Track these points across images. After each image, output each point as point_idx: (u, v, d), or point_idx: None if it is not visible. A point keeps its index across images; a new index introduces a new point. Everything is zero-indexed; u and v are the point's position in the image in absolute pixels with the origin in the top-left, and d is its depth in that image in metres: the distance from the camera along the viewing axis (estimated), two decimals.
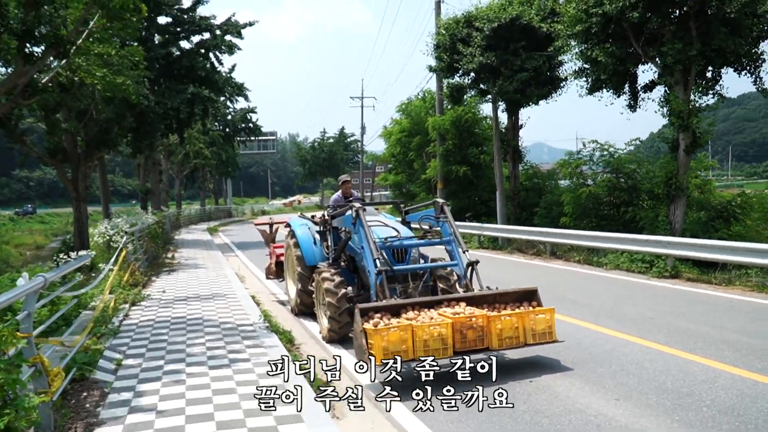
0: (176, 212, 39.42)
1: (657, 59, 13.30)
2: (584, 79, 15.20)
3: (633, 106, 15.08)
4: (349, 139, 79.63)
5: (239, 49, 25.57)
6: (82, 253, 11.08)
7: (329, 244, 8.55)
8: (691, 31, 12.62)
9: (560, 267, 14.27)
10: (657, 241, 12.18)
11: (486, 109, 26.40)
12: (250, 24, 26.85)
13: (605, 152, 16.43)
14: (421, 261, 7.92)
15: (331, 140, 78.80)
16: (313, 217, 10.34)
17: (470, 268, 6.98)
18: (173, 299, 10.79)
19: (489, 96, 20.89)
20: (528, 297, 6.62)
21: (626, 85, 14.97)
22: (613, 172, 16.16)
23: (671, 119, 12.97)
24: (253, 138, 53.35)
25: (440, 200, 7.65)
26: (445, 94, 23.13)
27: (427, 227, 7.85)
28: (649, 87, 14.89)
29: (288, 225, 10.07)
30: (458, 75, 20.37)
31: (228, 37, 25.63)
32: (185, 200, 79.60)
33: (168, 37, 25.61)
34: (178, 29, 25.69)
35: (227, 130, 50.18)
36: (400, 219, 8.82)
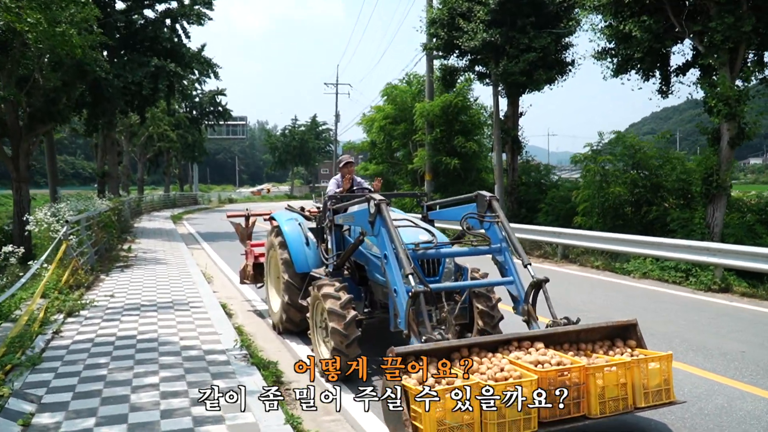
0: (137, 198, 36.70)
1: (700, 37, 11.55)
2: (608, 59, 13.38)
3: (665, 92, 13.34)
4: (321, 128, 77.23)
5: (210, 18, 23.15)
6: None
7: (329, 246, 6.52)
8: (742, 5, 10.89)
9: (577, 273, 12.49)
10: (704, 248, 10.45)
11: (479, 94, 24.54)
12: None
13: (626, 145, 14.63)
14: (455, 273, 5.96)
15: (303, 128, 76.30)
16: (302, 209, 8.31)
17: (536, 288, 5.04)
18: (123, 307, 8.62)
19: (487, 80, 19.06)
20: (622, 333, 4.72)
21: (656, 68, 13.19)
22: (635, 167, 14.39)
23: (717, 106, 11.21)
24: (222, 122, 50.72)
25: (486, 193, 5.68)
26: (435, 77, 21.22)
27: (466, 228, 5.88)
28: (682, 69, 13.16)
29: (272, 219, 8.00)
30: (455, 55, 18.46)
31: (197, 7, 23.18)
32: (149, 185, 76.17)
33: (131, 3, 23.04)
34: None
35: (194, 112, 47.50)
36: (420, 216, 6.85)
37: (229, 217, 9.98)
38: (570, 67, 17.68)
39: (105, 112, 21.70)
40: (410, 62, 69.17)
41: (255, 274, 9.00)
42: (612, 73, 13.38)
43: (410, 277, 4.72)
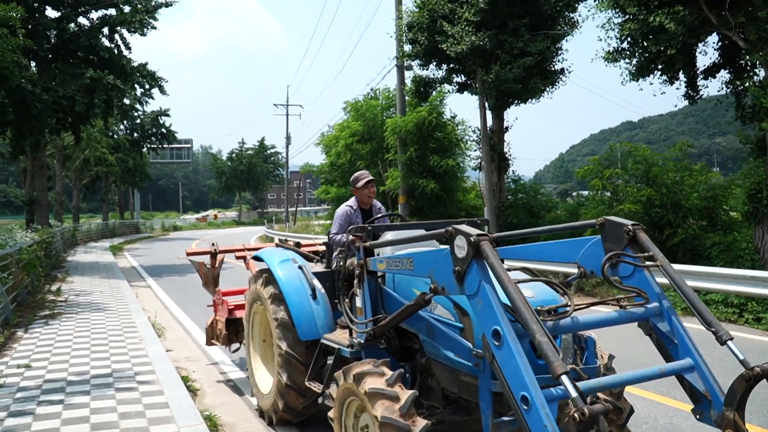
0: (72, 227, 33.24)
1: (739, 30, 10.00)
2: (625, 60, 11.72)
3: (692, 96, 11.78)
4: (270, 151, 74.51)
5: (153, 28, 20.63)
6: None
7: (360, 303, 4.31)
8: None
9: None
10: (760, 278, 8.62)
11: (454, 108, 22.75)
12: (166, 4, 21.93)
13: (638, 158, 12.94)
14: (573, 349, 3.84)
15: (251, 152, 73.41)
16: (299, 245, 6.10)
17: (748, 384, 2.97)
18: (41, 387, 6.12)
19: (468, 90, 17.31)
20: None
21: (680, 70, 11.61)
22: (649, 183, 12.69)
23: (761, 111, 9.62)
24: (165, 145, 47.58)
25: (626, 222, 3.62)
26: (408, 90, 19.32)
27: (581, 273, 3.81)
28: (711, 71, 11.62)
29: (257, 259, 5.73)
30: (433, 64, 16.62)
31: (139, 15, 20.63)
32: (86, 213, 71.63)
33: (65, 11, 20.31)
34: (76, 2, 20.42)
35: (135, 134, 44.30)
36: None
37: (189, 254, 7.59)
38: (561, 75, 16.08)
39: (32, 131, 18.80)
40: (377, 75, 67.11)
41: (228, 334, 6.65)
42: (631, 76, 11.73)
43: (565, 378, 2.61)
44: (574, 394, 2.58)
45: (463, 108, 54.63)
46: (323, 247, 7.09)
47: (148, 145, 45.90)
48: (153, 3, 20.72)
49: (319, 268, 5.55)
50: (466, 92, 17.51)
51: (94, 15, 20.85)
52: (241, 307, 6.60)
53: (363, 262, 4.26)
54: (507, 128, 17.21)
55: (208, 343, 7.08)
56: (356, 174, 5.64)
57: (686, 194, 12.61)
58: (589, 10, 12.10)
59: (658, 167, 12.74)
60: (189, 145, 66.53)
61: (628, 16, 11.06)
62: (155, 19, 20.68)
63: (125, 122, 42.50)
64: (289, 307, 4.96)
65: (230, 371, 7.18)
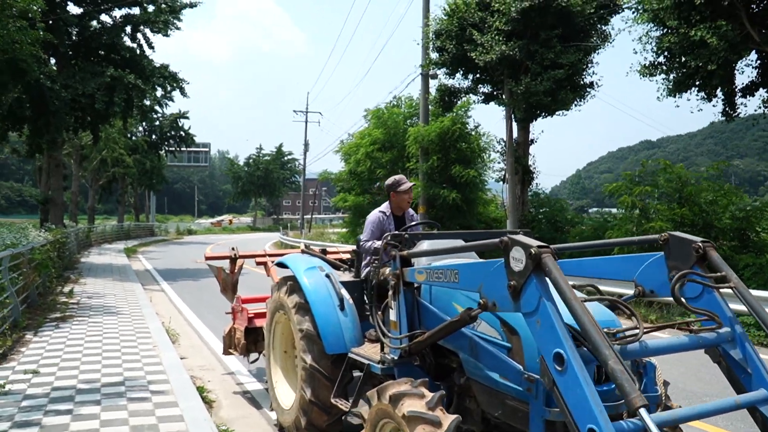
0: (86, 228, 33.20)
1: None
2: (661, 75, 11.33)
3: (730, 114, 11.35)
4: (287, 157, 74.51)
5: (177, 28, 20.51)
6: None
7: (394, 316, 3.95)
8: None
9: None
10: None
11: (477, 118, 22.40)
12: (191, 5, 21.84)
13: (671, 175, 12.48)
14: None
15: (268, 158, 73.47)
16: (325, 252, 5.76)
17: None
18: (48, 395, 5.80)
19: (494, 101, 16.96)
20: None
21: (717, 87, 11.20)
22: (681, 202, 12.22)
23: None
24: (183, 148, 47.61)
25: (695, 238, 3.25)
26: (433, 99, 19.00)
27: (639, 292, 3.45)
28: (749, 90, 11.19)
29: (281, 265, 5.40)
30: (460, 73, 16.30)
31: (164, 15, 20.54)
32: (101, 215, 71.95)
33: (87, 8, 20.26)
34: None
35: (153, 136, 44.39)
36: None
37: (207, 259, 7.27)
38: (589, 89, 15.69)
39: (49, 128, 18.68)
40: (400, 83, 66.45)
41: (247, 344, 6.31)
42: (668, 91, 11.32)
43: (643, 412, 2.25)
44: (655, 430, 2.24)
45: (486, 119, 54.54)
46: (348, 255, 6.80)
47: (166, 148, 45.95)
48: (178, 3, 20.63)
49: (347, 277, 5.20)
50: (492, 103, 17.17)
51: (118, 13, 20.82)
52: (261, 315, 6.25)
53: (399, 273, 3.90)
54: (532, 141, 16.82)
55: (225, 352, 6.73)
56: (395, 178, 5.27)
57: (719, 215, 12.15)
58: (626, 23, 11.67)
59: (692, 186, 12.28)
60: (207, 149, 66.65)
61: (666, 30, 10.68)
62: (179, 19, 20.58)
63: (144, 124, 42.56)
64: (315, 318, 4.61)
65: (247, 382, 6.84)
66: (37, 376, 6.48)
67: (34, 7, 11.93)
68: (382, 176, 23.35)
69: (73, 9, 20.40)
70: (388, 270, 4.22)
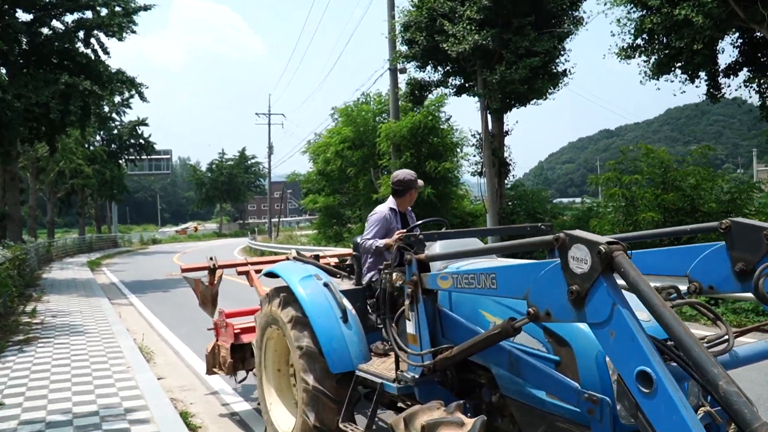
0: (47, 242, 31.88)
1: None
2: (641, 57, 11.10)
3: (714, 95, 11.20)
4: (251, 161, 73.36)
5: (133, 31, 19.65)
6: None
7: (412, 329, 3.48)
8: None
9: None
10: None
11: (448, 111, 22.05)
12: (145, 8, 20.97)
13: (655, 162, 12.25)
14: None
15: (231, 162, 72.20)
16: (317, 258, 5.28)
17: None
18: (15, 430, 5.19)
19: (467, 93, 16.64)
20: None
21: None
22: (666, 188, 12.02)
23: None
24: (143, 156, 46.30)
25: (763, 225, 2.88)
26: (402, 94, 18.60)
27: (694, 288, 3.04)
28: (734, 70, 11.05)
29: (271, 275, 4.89)
30: (431, 65, 15.94)
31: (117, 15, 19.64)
32: (62, 228, 69.68)
33: (36, 14, 19.24)
34: (49, 5, 19.37)
35: (113, 145, 43.01)
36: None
37: (184, 271, 6.68)
38: (563, 76, 15.46)
39: (2, 141, 17.68)
40: (367, 80, 65.40)
41: (234, 362, 5.77)
42: (650, 73, 11.11)
43: None
44: None
45: (457, 111, 54.17)
46: (335, 260, 6.31)
47: (126, 157, 44.60)
48: (131, 5, 19.75)
49: (347, 284, 4.73)
50: (464, 95, 16.84)
51: (69, 18, 19.84)
52: (248, 330, 5.74)
53: (417, 279, 3.44)
54: (507, 132, 16.55)
55: (209, 372, 6.17)
56: (403, 173, 4.82)
57: (704, 199, 12.00)
58: (604, 4, 11.38)
59: (677, 171, 12.11)
60: (168, 156, 65.08)
61: (647, 11, 10.45)
62: (134, 23, 19.71)
63: (102, 133, 41.19)
64: (316, 333, 4.13)
65: (233, 402, 6.30)
66: (1, 408, 5.83)
67: None
68: (352, 174, 22.90)
69: (22, 16, 19.42)
70: (396, 275, 3.76)
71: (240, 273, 6.53)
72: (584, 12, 14.59)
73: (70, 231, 66.66)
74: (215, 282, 6.53)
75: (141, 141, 43.77)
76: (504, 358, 3.10)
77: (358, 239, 5.01)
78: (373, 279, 4.57)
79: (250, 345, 5.48)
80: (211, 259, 6.49)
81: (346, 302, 4.27)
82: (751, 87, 11.36)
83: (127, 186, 48.75)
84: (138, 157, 46.16)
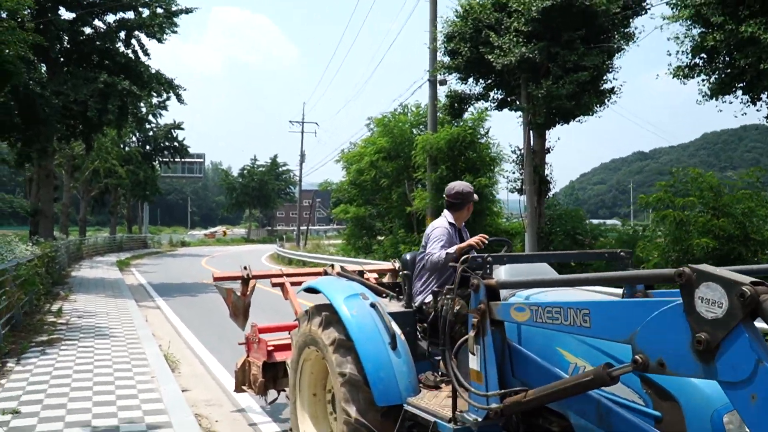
0: (78, 240, 32.13)
1: None
2: (699, 76, 10.54)
3: None
4: (282, 168, 73.60)
5: (174, 32, 19.65)
6: None
7: (476, 364, 3.03)
8: None
9: None
10: None
11: (487, 125, 21.61)
12: (187, 11, 20.98)
13: (702, 184, 11.63)
14: None
15: (262, 169, 72.52)
16: (362, 274, 4.88)
17: None
18: None
19: (509, 107, 16.17)
20: None
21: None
22: (717, 214, 11.38)
23: None
24: (177, 159, 46.68)
25: None
26: (441, 106, 18.20)
27: None
28: None
29: (311, 290, 4.49)
30: (473, 77, 15.53)
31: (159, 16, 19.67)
32: (93, 226, 70.68)
33: (79, 12, 19.37)
34: (92, 4, 19.49)
35: (147, 147, 43.42)
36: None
37: (216, 280, 6.32)
38: (610, 94, 14.90)
39: (39, 137, 17.72)
40: (405, 90, 64.74)
41: (265, 381, 5.37)
42: (710, 93, 10.54)
43: None
44: None
45: (496, 126, 53.58)
46: (375, 276, 5.89)
47: (160, 159, 44.99)
48: (173, 7, 19.77)
49: (395, 306, 4.30)
50: (505, 110, 16.38)
51: (111, 18, 19.94)
52: (282, 348, 5.33)
53: (485, 308, 3.00)
54: (549, 149, 16.02)
55: (238, 389, 5.78)
56: (460, 185, 4.42)
57: (757, 226, 11.33)
58: (663, 19, 10.84)
59: (729, 195, 11.46)
60: (201, 160, 65.66)
61: (707, 28, 9.89)
62: (175, 24, 19.71)
63: (138, 134, 41.62)
64: (362, 360, 3.70)
65: (262, 423, 5.88)
66: (17, 417, 5.52)
67: (24, 10, 11.03)
68: (385, 186, 22.53)
69: (65, 14, 19.58)
70: (457, 300, 3.33)
71: (275, 285, 6.15)
72: (635, 27, 13.97)
73: (101, 230, 67.56)
74: (248, 293, 6.14)
75: (175, 144, 44.13)
76: (591, 408, 2.63)
77: (407, 256, 4.60)
78: (425, 301, 4.14)
79: (284, 364, 5.08)
80: (245, 268, 6.12)
81: (395, 326, 3.84)
82: None
83: (160, 188, 49.16)
84: (172, 160, 46.54)
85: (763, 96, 10.74)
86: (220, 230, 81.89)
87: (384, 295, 4.52)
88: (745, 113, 10.93)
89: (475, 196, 4.44)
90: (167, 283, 20.00)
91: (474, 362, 3.06)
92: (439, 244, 4.14)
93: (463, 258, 3.19)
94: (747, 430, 1.86)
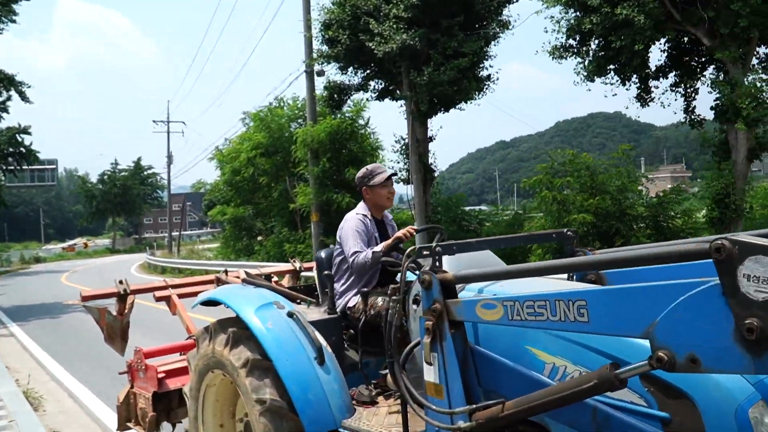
0: None
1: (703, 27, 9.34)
2: (575, 57, 10.79)
3: (644, 98, 11.07)
4: (147, 172, 69.18)
5: (13, 21, 17.38)
6: None
7: (433, 377, 2.52)
8: None
9: None
10: None
11: (370, 115, 21.31)
12: None
13: (579, 165, 12.04)
14: None
15: (125, 173, 67.72)
16: (269, 279, 4.21)
17: None
18: None
19: (390, 96, 15.95)
20: None
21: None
22: (593, 192, 11.82)
23: (747, 108, 8.93)
24: (25, 166, 42.10)
25: None
26: (320, 98, 17.63)
27: None
28: (664, 72, 10.99)
29: (210, 302, 3.75)
30: (354, 66, 15.12)
31: None
32: None
33: None
34: None
35: None
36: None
37: (85, 299, 5.30)
38: (487, 82, 15.09)
39: None
40: (280, 83, 61.77)
41: (157, 415, 4.52)
42: (586, 75, 10.83)
43: None
44: None
45: (377, 117, 53.48)
46: (276, 278, 5.24)
47: (4, 167, 40.35)
48: None
49: (316, 313, 3.70)
50: (386, 99, 16.11)
51: None
52: (176, 373, 4.50)
53: (442, 307, 2.49)
54: (432, 138, 15.96)
55: (122, 427, 4.83)
56: (369, 168, 3.88)
57: (631, 201, 11.94)
58: (542, 2, 10.99)
59: (603, 174, 11.96)
60: (53, 166, 59.92)
61: (581, 12, 10.15)
62: (13, 12, 17.42)
63: None
64: (284, 382, 3.07)
65: None
66: None
67: None
68: (265, 183, 21.57)
69: None
70: (384, 300, 2.81)
71: (159, 299, 5.29)
72: (510, 16, 14.21)
73: None
74: (126, 311, 5.23)
75: (21, 149, 39.73)
76: (585, 416, 2.20)
77: (322, 254, 4.02)
78: (351, 305, 3.58)
79: (179, 392, 4.30)
80: (120, 282, 5.19)
81: (319, 337, 3.25)
82: (677, 91, 11.42)
83: (5, 200, 44.17)
84: (18, 168, 41.91)
85: (634, 77, 11.29)
86: (80, 242, 75.62)
87: (299, 301, 3.90)
88: (615, 94, 11.51)
89: (379, 178, 3.78)
90: (21, 305, 17.79)
91: (430, 374, 2.55)
92: (356, 241, 3.60)
93: (408, 251, 2.67)
94: None
